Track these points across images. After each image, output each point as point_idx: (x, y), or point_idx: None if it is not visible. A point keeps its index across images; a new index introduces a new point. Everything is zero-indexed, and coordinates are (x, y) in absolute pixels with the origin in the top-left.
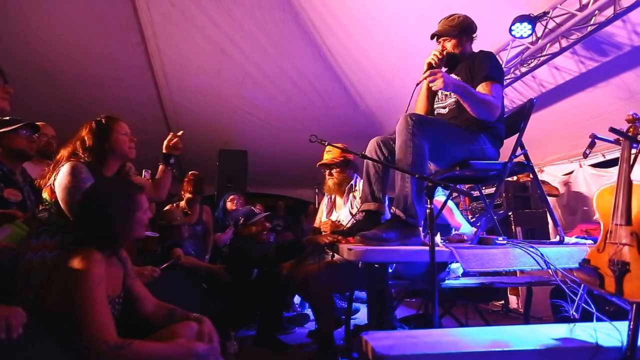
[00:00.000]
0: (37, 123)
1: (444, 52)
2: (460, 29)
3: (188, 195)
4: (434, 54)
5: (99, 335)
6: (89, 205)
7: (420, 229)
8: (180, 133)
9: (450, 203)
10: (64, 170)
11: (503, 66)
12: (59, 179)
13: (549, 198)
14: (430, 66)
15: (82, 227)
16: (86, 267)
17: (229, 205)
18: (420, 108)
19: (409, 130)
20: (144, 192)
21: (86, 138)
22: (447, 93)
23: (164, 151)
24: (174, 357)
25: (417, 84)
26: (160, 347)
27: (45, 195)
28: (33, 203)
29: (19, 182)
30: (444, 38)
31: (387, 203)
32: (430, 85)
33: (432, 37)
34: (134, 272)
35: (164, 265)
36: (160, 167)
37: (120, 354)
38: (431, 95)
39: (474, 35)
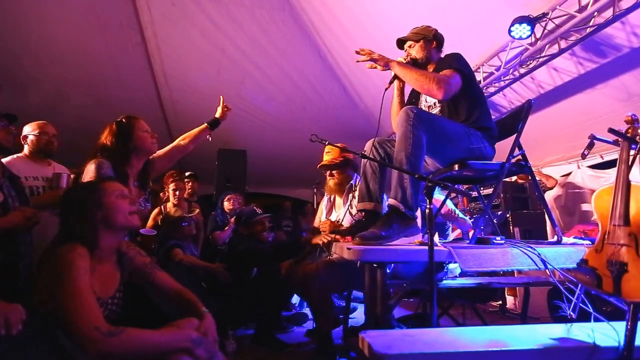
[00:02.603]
0: (42, 121)
1: (409, 58)
2: (423, 34)
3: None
4: (400, 59)
5: (89, 322)
6: (64, 203)
7: (418, 220)
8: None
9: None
10: (88, 168)
11: (502, 67)
12: (84, 176)
13: (545, 195)
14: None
15: (63, 224)
16: (69, 259)
17: (226, 205)
18: (394, 117)
19: (409, 122)
20: (112, 180)
21: (110, 140)
22: (430, 104)
23: (217, 116)
24: (168, 342)
25: (386, 89)
26: (154, 333)
27: None
28: (14, 199)
29: None
30: (409, 44)
31: (385, 203)
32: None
33: (397, 45)
34: (151, 266)
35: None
36: (205, 126)
37: (113, 341)
38: (403, 99)
39: (441, 46)
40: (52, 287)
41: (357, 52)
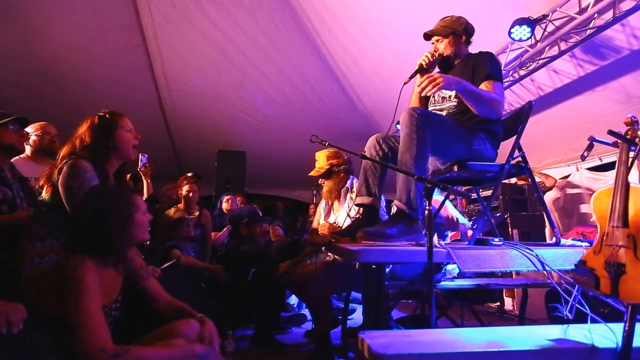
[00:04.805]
0: (43, 122)
1: (436, 54)
2: (453, 28)
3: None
4: (426, 55)
5: (95, 343)
6: (85, 214)
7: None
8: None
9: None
10: (67, 170)
11: (502, 69)
12: (62, 179)
13: (544, 197)
14: (421, 67)
15: (77, 234)
16: (79, 276)
17: (224, 206)
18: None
19: (413, 123)
20: (139, 193)
21: (88, 134)
22: (445, 95)
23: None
24: (173, 359)
25: (405, 83)
26: (159, 350)
27: (48, 196)
28: (23, 200)
29: (7, 178)
30: (437, 38)
31: (384, 204)
32: (432, 89)
33: (424, 38)
34: (146, 271)
35: (165, 265)
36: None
37: None
38: (423, 97)
39: (471, 38)
40: (61, 299)
41: (421, 91)
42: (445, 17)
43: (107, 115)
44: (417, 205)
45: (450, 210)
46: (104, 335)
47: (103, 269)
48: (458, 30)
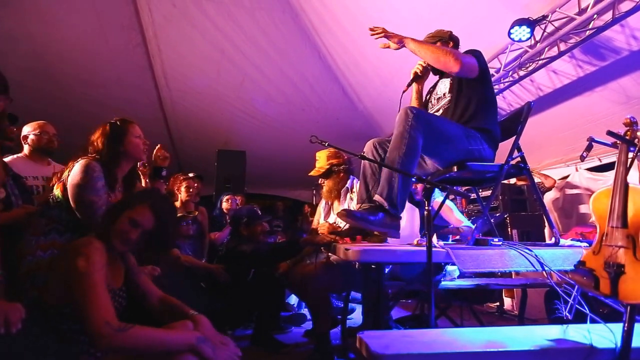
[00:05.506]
0: (42, 121)
1: (426, 63)
2: (439, 37)
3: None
4: (419, 64)
5: (101, 317)
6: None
7: (417, 222)
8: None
9: (449, 202)
10: (77, 168)
11: (502, 69)
12: (71, 176)
13: (544, 198)
14: (416, 75)
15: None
16: (87, 253)
17: (224, 205)
18: None
19: (407, 123)
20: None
21: (101, 140)
22: (440, 95)
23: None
24: (174, 340)
25: (404, 92)
26: (161, 331)
27: (57, 192)
28: (18, 197)
29: None
30: None
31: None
32: (379, 36)
33: None
34: (137, 267)
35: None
36: (148, 181)
37: (123, 336)
38: (421, 101)
39: (458, 47)
40: (68, 281)
41: (371, 29)
42: (430, 32)
43: (117, 123)
44: (398, 202)
45: (457, 215)
46: (110, 310)
47: (111, 254)
48: (444, 38)
